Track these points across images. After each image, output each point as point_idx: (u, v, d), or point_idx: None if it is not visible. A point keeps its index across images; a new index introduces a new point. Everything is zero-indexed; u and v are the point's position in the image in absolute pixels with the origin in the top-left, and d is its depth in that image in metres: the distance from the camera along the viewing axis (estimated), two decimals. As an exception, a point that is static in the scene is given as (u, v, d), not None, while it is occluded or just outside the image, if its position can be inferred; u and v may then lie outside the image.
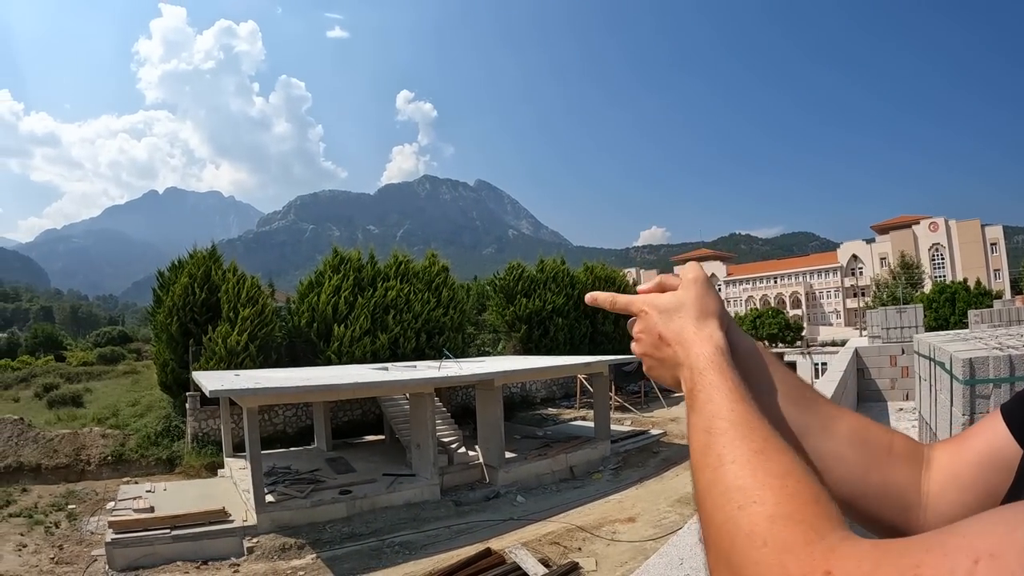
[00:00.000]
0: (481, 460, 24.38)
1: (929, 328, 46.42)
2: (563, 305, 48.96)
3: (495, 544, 16.89)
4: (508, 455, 24.82)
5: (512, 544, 16.87)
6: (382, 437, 31.13)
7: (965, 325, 29.68)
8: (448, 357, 31.77)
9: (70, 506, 22.95)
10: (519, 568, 15.12)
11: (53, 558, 17.99)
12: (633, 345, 1.14)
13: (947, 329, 39.28)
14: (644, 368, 1.13)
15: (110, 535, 17.26)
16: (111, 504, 21.34)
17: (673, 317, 1.05)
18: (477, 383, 25.10)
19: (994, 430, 1.04)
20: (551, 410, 41.56)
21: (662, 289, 1.13)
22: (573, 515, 20.00)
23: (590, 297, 1.24)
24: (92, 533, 19.86)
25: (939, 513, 1.01)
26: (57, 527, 20.72)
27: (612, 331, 52.00)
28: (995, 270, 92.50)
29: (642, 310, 1.11)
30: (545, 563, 15.62)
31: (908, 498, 1.04)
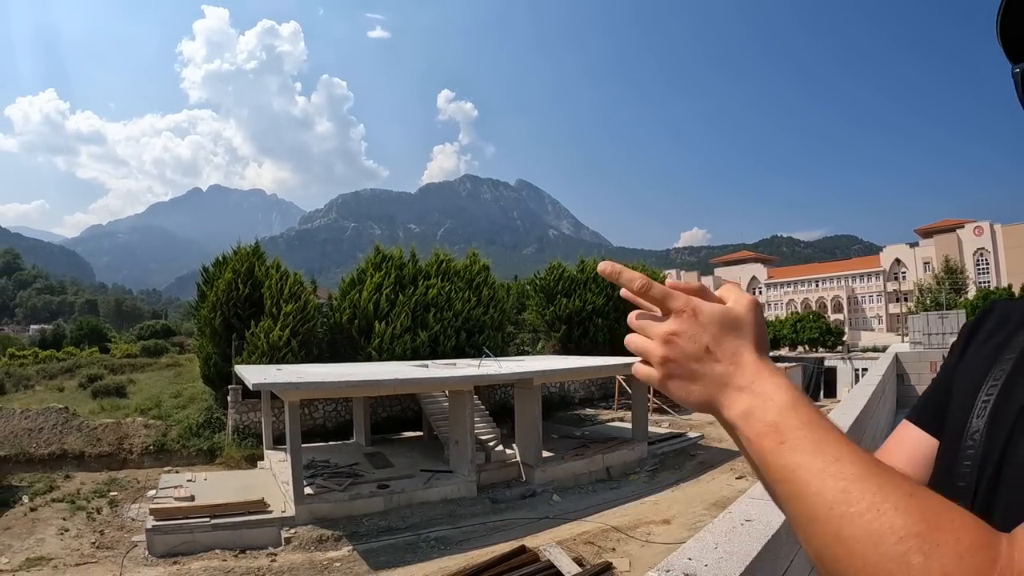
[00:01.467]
0: (518, 458, 24.42)
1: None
2: (603, 306, 48.80)
3: (530, 542, 16.92)
4: (545, 454, 24.85)
5: (547, 542, 16.90)
6: (420, 433, 31.32)
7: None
8: (488, 356, 31.85)
9: (112, 493, 23.35)
10: (553, 566, 15.15)
11: (94, 543, 18.34)
12: (658, 346, 0.98)
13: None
14: (660, 376, 0.99)
15: (151, 522, 17.57)
16: (152, 492, 21.69)
17: (729, 334, 0.96)
18: (516, 382, 25.14)
19: (908, 436, 1.22)
20: (589, 410, 41.48)
21: (703, 296, 1.01)
22: (608, 515, 19.98)
23: (608, 266, 1.03)
24: (133, 520, 20.20)
25: None
26: (99, 513, 21.11)
27: (652, 333, 51.75)
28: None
29: (684, 311, 0.97)
30: (579, 562, 15.64)
31: None
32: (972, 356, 1.20)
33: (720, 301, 1.02)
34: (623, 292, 1.04)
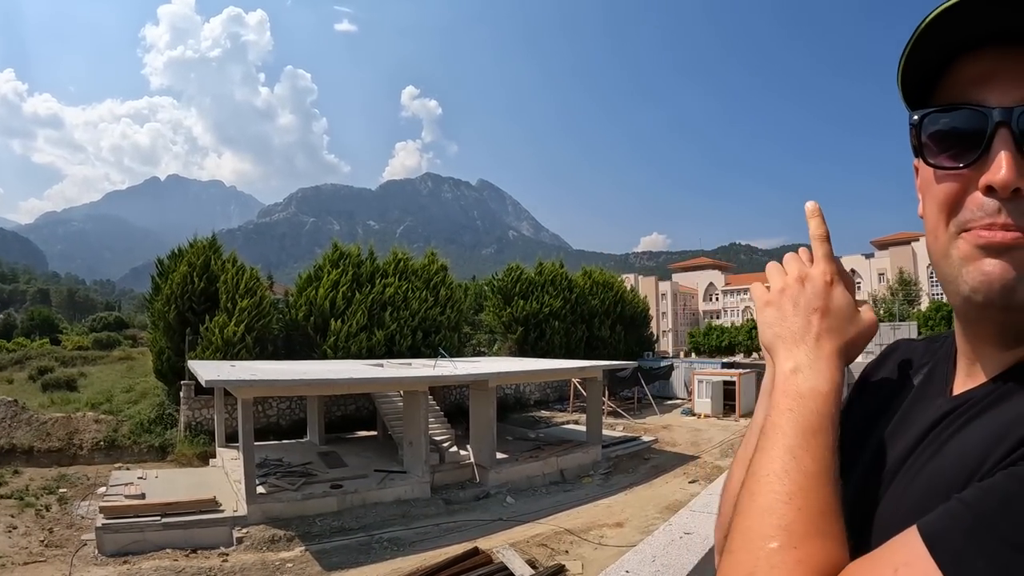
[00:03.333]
0: (472, 460, 24.47)
1: (924, 345, 46.54)
2: (560, 308, 49.05)
3: (483, 544, 16.98)
4: (499, 456, 24.91)
5: (500, 544, 16.97)
6: (375, 433, 31.19)
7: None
8: (444, 356, 31.86)
9: (61, 490, 22.98)
10: (506, 568, 15.22)
11: (43, 541, 18.05)
12: (788, 279, 1.13)
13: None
14: (767, 298, 1.14)
15: (101, 520, 17.34)
16: (102, 489, 21.41)
17: (839, 318, 1.07)
18: (471, 383, 25.24)
19: None
20: (544, 413, 41.66)
21: (847, 285, 1.13)
22: (562, 518, 20.10)
23: (811, 206, 1.20)
24: (83, 517, 19.90)
25: None
26: (48, 510, 20.76)
27: (608, 336, 52.15)
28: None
29: (827, 274, 1.11)
30: (532, 564, 15.72)
31: None
32: (864, 403, 1.26)
33: (855, 299, 1.13)
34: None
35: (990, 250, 0.82)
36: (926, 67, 0.92)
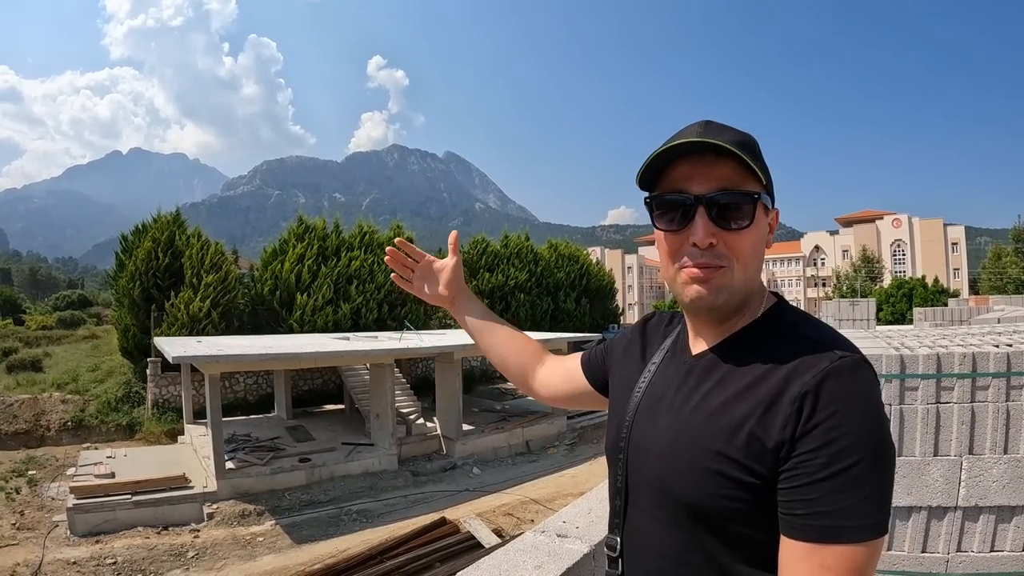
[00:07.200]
0: (439, 432, 24.76)
1: (885, 322, 47.11)
2: (526, 281, 49.27)
3: (450, 514, 17.30)
4: (466, 428, 25.22)
5: (467, 514, 17.31)
6: (342, 406, 31.39)
7: (919, 321, 30.42)
8: (409, 329, 32.04)
9: (30, 472, 22.91)
10: (473, 537, 15.56)
11: (14, 524, 18.05)
12: None
13: (903, 324, 40.13)
14: None
15: (71, 501, 17.41)
16: (72, 470, 21.42)
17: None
18: (437, 356, 25.46)
19: (574, 366, 1.96)
20: (510, 385, 41.87)
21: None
22: (528, 488, 20.49)
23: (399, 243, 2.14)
24: (53, 499, 19.90)
25: (544, 383, 2.05)
26: (18, 493, 20.73)
27: (573, 309, 52.49)
28: (954, 269, 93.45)
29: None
30: (498, 533, 16.06)
31: (529, 369, 2.09)
32: (629, 352, 1.76)
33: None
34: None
35: (696, 280, 1.35)
36: (654, 170, 1.40)
